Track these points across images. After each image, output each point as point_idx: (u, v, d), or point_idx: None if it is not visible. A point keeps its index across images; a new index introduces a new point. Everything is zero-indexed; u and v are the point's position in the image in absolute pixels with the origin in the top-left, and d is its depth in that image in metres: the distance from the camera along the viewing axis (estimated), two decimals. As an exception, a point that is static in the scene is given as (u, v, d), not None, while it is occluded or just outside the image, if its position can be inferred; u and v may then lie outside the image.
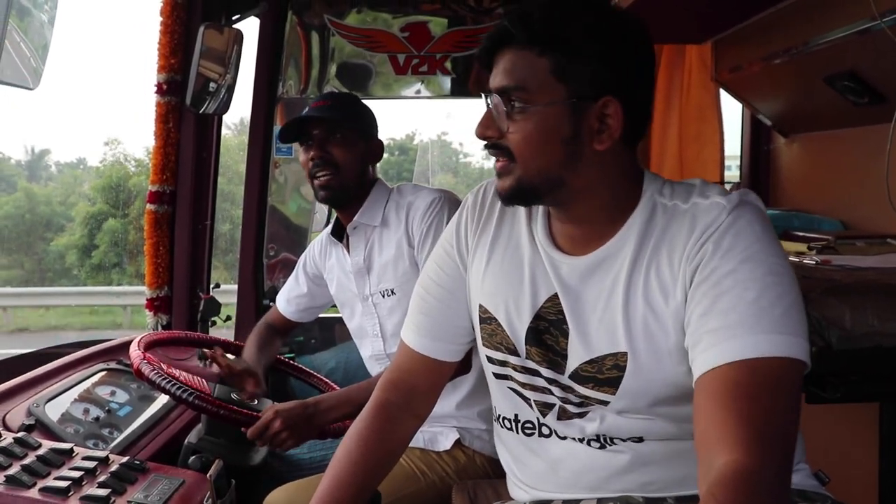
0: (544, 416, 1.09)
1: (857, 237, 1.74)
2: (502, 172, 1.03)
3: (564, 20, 0.96)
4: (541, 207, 1.11)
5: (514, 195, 1.03)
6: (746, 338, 0.85)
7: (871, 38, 1.60)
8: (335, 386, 2.03)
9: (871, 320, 1.09)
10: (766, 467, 0.79)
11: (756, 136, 2.64)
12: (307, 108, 1.83)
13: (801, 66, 1.98)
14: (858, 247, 1.66)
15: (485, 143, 1.03)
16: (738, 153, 2.73)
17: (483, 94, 1.04)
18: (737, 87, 2.48)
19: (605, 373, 1.00)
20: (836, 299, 1.09)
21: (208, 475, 1.31)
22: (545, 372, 1.07)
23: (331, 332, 2.87)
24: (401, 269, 1.77)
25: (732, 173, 2.90)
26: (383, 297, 1.81)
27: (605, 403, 1.01)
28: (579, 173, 1.00)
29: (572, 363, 1.04)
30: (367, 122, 1.87)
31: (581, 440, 1.06)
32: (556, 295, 1.05)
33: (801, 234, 1.88)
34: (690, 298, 0.93)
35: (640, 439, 1.03)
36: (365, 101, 1.92)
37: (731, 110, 2.70)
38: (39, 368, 1.79)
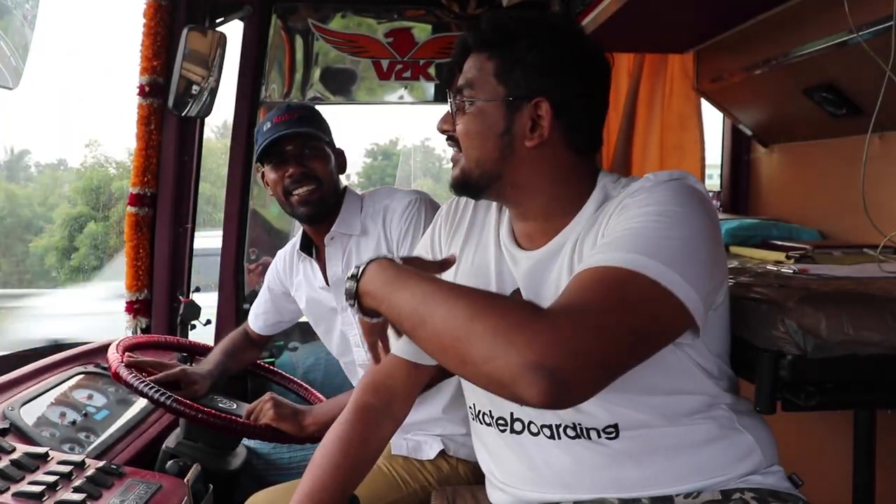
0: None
1: (834, 247, 1.76)
2: (454, 162, 1.14)
3: (509, 30, 1.08)
4: (506, 212, 1.18)
5: (460, 184, 1.13)
6: (606, 254, 0.90)
7: (848, 51, 1.63)
8: (315, 391, 2.02)
9: (847, 329, 1.09)
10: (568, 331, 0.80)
11: (736, 146, 2.66)
12: (270, 125, 1.73)
13: (781, 77, 2.00)
14: (835, 256, 1.67)
15: (446, 137, 1.15)
16: (719, 162, 2.75)
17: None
18: (718, 97, 2.50)
19: None
20: (812, 308, 1.10)
21: (186, 480, 1.30)
22: None
23: (310, 334, 2.86)
24: None
25: (713, 182, 2.92)
26: None
27: None
28: (514, 168, 1.09)
29: None
30: (329, 131, 1.83)
31: (556, 431, 1.07)
32: (518, 290, 1.12)
33: (779, 242, 1.90)
34: None
35: (613, 432, 1.03)
36: (348, 106, 1.90)
37: (712, 120, 2.73)
38: (15, 371, 1.77)
